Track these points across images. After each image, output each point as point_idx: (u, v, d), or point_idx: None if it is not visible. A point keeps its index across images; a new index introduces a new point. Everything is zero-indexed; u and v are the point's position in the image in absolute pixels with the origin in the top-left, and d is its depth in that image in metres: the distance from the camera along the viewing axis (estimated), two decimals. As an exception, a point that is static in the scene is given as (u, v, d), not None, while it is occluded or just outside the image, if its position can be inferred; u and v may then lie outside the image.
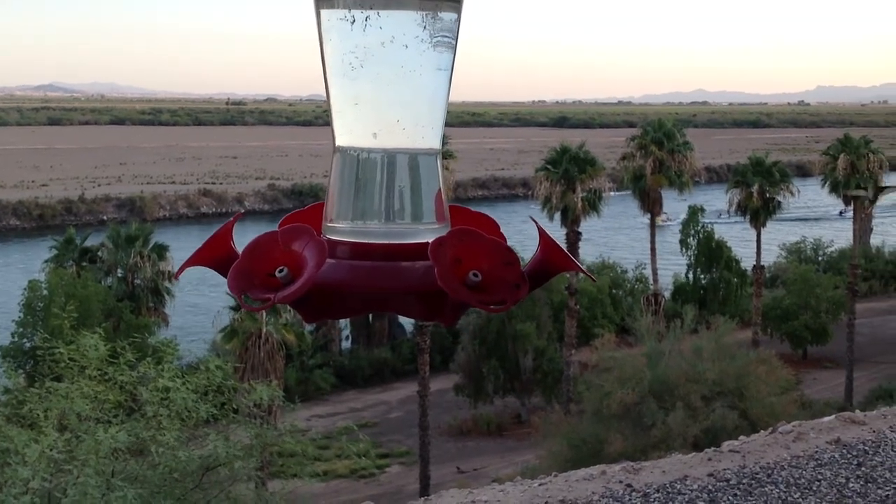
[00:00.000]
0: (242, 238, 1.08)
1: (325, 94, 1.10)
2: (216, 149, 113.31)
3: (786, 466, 5.87)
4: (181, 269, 1.08)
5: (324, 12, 1.06)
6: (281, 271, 1.01)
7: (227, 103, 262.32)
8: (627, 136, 37.45)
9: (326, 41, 1.07)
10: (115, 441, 8.30)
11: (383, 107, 1.08)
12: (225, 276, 1.04)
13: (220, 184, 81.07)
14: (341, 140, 1.10)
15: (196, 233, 62.87)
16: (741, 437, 6.66)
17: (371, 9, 1.04)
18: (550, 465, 17.80)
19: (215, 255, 1.08)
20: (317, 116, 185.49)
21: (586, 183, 31.73)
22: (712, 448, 6.35)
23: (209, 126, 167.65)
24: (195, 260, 1.08)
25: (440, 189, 1.11)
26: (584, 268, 1.10)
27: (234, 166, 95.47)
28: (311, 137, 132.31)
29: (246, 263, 1.03)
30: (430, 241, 1.03)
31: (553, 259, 1.07)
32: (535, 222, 1.11)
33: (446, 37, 1.07)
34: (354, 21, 1.04)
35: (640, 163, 34.55)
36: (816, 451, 6.13)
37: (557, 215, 31.57)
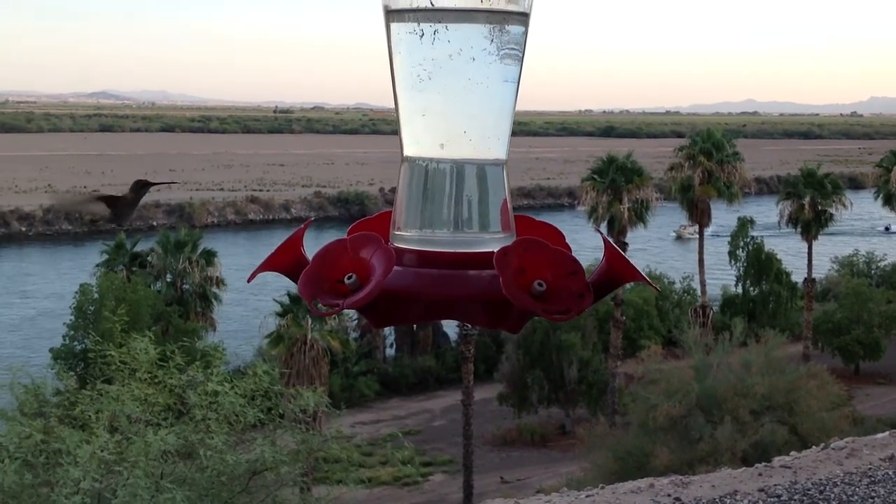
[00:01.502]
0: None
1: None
2: (264, 156, 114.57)
3: (838, 483, 5.77)
4: (254, 274, 1.11)
5: (393, 26, 1.09)
6: (350, 278, 1.04)
7: (274, 111, 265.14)
8: (675, 146, 37.15)
9: (396, 54, 1.09)
10: (164, 443, 8.41)
11: (451, 118, 1.10)
12: (295, 281, 1.07)
13: (268, 191, 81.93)
14: (409, 150, 1.12)
15: (242, 240, 63.58)
16: (792, 453, 6.57)
17: (440, 22, 1.06)
18: (595, 476, 17.67)
19: (286, 261, 1.11)
20: (363, 125, 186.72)
21: (633, 193, 31.54)
22: (763, 463, 6.26)
23: (257, 134, 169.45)
24: (267, 266, 1.11)
25: (506, 199, 1.12)
26: (648, 278, 1.10)
27: (281, 174, 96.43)
28: (358, 146, 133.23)
29: (316, 270, 1.05)
30: (495, 250, 1.05)
31: (618, 269, 1.07)
32: (600, 232, 1.12)
33: (514, 49, 1.08)
34: (423, 34, 1.06)
35: (688, 173, 34.25)
36: (870, 469, 6.02)
37: (603, 225, 31.43)
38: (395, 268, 1.04)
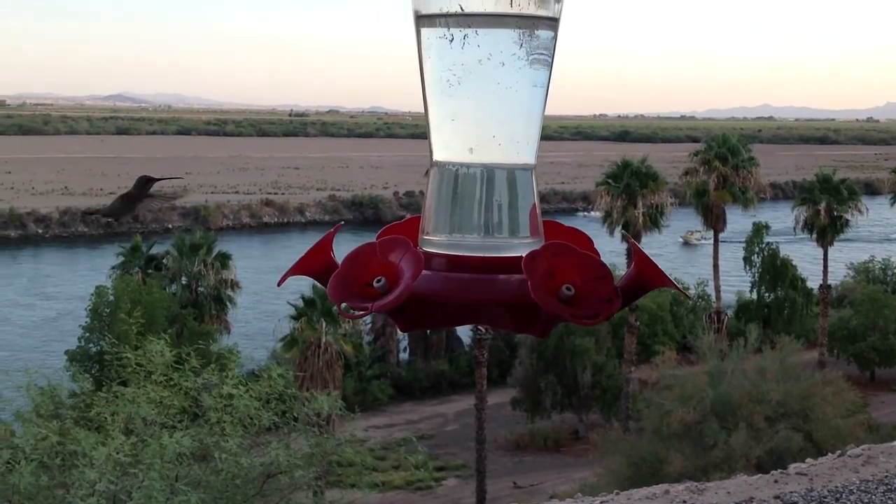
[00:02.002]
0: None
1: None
2: (279, 159, 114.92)
3: (854, 491, 5.74)
4: (283, 278, 1.11)
5: (423, 31, 1.09)
6: (378, 281, 1.04)
7: (290, 115, 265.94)
8: (690, 150, 37.06)
9: (426, 59, 1.10)
10: (179, 446, 8.44)
11: (480, 123, 1.11)
12: (324, 284, 1.07)
13: (282, 194, 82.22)
14: (439, 155, 1.12)
15: (257, 243, 63.74)
16: (808, 460, 6.53)
17: (469, 27, 1.06)
18: (609, 482, 17.62)
19: (316, 265, 1.12)
20: (378, 129, 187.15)
21: (648, 198, 31.47)
22: (779, 470, 6.23)
23: (272, 137, 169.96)
24: (297, 269, 1.11)
25: (535, 204, 1.12)
26: (677, 284, 1.10)
27: (296, 177, 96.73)
28: (372, 149, 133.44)
29: (346, 273, 1.06)
30: (524, 254, 1.05)
31: (648, 274, 1.07)
32: (629, 238, 1.12)
33: (543, 54, 1.09)
34: (453, 39, 1.06)
35: (703, 178, 34.17)
36: (886, 476, 5.98)
37: (617, 230, 31.35)
38: (424, 272, 1.04)
